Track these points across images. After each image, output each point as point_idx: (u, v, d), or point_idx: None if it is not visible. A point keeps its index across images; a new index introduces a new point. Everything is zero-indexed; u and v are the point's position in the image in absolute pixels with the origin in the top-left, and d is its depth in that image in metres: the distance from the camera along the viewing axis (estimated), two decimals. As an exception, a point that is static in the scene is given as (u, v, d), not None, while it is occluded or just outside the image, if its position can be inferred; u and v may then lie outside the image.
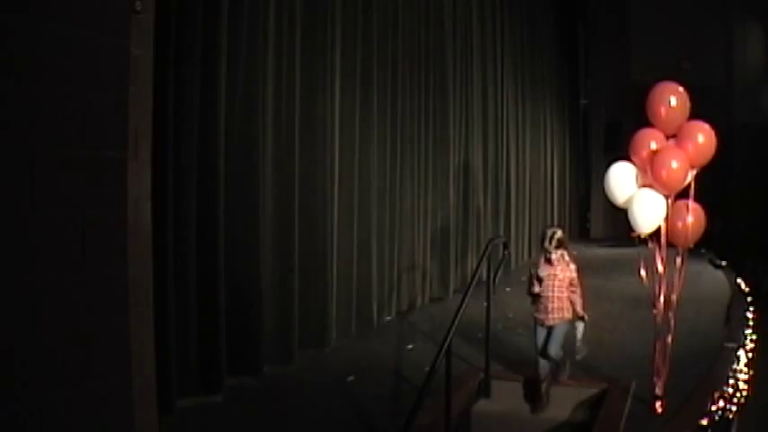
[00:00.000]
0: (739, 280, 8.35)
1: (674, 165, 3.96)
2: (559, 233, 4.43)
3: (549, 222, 4.07)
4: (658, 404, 4.14)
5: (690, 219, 4.11)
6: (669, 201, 4.10)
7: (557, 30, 12.71)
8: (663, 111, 4.11)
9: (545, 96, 11.84)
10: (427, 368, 3.47)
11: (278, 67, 5.06)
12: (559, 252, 4.42)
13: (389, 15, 6.62)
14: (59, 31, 2.38)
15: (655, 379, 4.18)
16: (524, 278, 9.44)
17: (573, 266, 4.47)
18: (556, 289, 4.42)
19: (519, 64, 10.39)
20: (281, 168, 5.13)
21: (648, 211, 4.09)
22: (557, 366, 4.50)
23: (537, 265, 4.50)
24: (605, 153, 13.01)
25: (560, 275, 4.42)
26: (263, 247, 4.87)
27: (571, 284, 4.44)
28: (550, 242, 4.40)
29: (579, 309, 4.45)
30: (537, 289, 4.47)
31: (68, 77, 2.42)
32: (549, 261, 4.42)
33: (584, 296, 4.49)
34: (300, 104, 5.25)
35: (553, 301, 4.43)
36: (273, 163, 5.07)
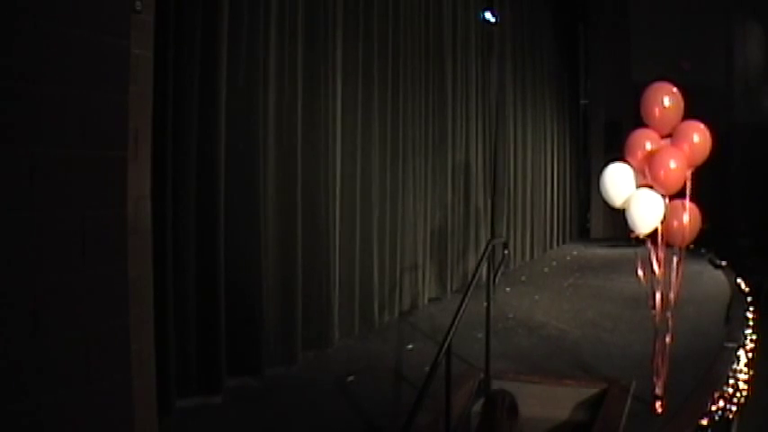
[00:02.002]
0: (739, 280, 8.35)
1: (673, 165, 3.97)
2: (510, 398, 3.31)
3: (497, 392, 3.02)
4: (658, 404, 4.14)
5: (686, 218, 4.11)
6: (667, 200, 4.11)
7: (557, 30, 12.71)
8: (657, 111, 4.12)
9: (545, 96, 11.83)
10: (427, 368, 3.47)
11: (279, 68, 5.06)
12: (510, 424, 3.25)
13: (390, 14, 6.62)
14: (59, 31, 2.38)
15: (655, 379, 4.18)
16: (524, 278, 9.48)
17: None
18: None
19: (519, 64, 10.39)
20: (283, 168, 5.12)
21: (647, 212, 4.09)
22: None
23: None
24: (605, 153, 13.02)
25: None
26: (265, 247, 4.87)
27: None
28: (501, 411, 3.25)
29: None
30: None
31: (68, 77, 2.42)
32: None
33: None
34: (301, 104, 5.25)
35: None
36: (275, 163, 5.06)
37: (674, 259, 4.17)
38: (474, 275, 4.43)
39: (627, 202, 4.18)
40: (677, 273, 4.16)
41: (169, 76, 4.03)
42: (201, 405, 4.24)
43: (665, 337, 4.16)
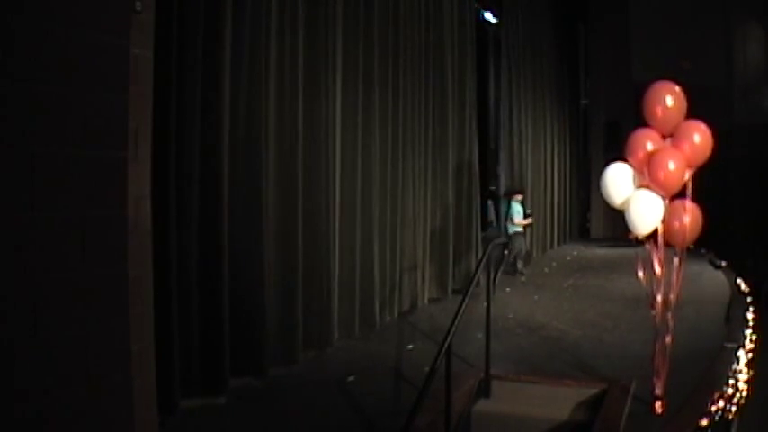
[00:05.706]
0: (739, 280, 8.35)
1: (672, 166, 3.95)
2: None
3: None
4: (658, 404, 4.14)
5: (687, 219, 4.10)
6: (666, 201, 4.10)
7: (557, 30, 12.70)
8: (659, 111, 4.09)
9: (545, 96, 11.83)
10: (427, 368, 3.47)
11: (280, 68, 5.05)
12: None
13: (390, 15, 6.62)
14: (59, 31, 2.39)
15: (655, 379, 4.18)
16: (524, 278, 9.48)
17: None
18: None
19: (519, 64, 10.39)
20: (284, 168, 5.12)
21: (646, 213, 4.08)
22: None
23: None
24: (605, 153, 13.03)
25: None
26: (266, 248, 4.86)
27: None
28: None
29: None
30: None
31: (68, 77, 2.42)
32: None
33: None
34: (302, 104, 5.25)
35: None
36: (276, 163, 5.06)
37: (675, 260, 4.17)
38: (474, 276, 4.43)
39: (626, 202, 4.17)
40: (677, 273, 4.15)
41: (169, 75, 4.02)
42: (205, 405, 4.24)
43: (665, 338, 4.16)
